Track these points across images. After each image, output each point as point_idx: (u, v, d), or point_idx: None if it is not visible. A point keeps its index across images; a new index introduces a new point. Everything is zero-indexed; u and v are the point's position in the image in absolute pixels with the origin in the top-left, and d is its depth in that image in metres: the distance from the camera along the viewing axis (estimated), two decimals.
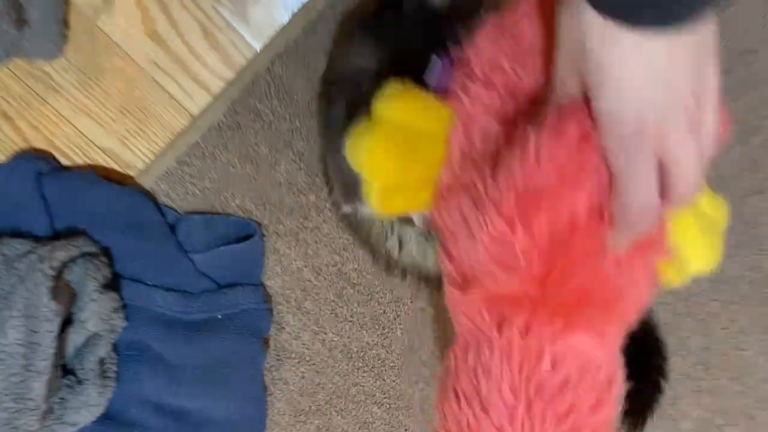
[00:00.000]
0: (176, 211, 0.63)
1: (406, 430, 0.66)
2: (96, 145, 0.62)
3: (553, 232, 0.31)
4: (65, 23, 0.59)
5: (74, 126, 0.61)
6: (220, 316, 0.61)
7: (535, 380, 0.32)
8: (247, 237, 0.62)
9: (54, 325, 0.54)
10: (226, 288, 0.62)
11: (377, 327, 0.65)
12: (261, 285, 0.64)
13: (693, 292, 0.67)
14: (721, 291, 0.68)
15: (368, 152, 0.36)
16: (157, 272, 0.60)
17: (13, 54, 0.56)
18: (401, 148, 0.37)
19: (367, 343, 0.65)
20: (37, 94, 0.60)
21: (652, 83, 0.27)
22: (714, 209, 0.39)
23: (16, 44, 0.56)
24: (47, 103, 0.61)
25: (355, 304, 0.65)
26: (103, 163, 0.63)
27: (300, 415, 0.66)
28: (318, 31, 0.61)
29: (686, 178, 0.29)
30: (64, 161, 0.62)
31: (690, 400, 0.68)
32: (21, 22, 0.55)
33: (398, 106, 0.36)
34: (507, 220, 0.31)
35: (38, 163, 0.60)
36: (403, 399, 0.66)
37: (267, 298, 0.64)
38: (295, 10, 0.61)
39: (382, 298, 0.65)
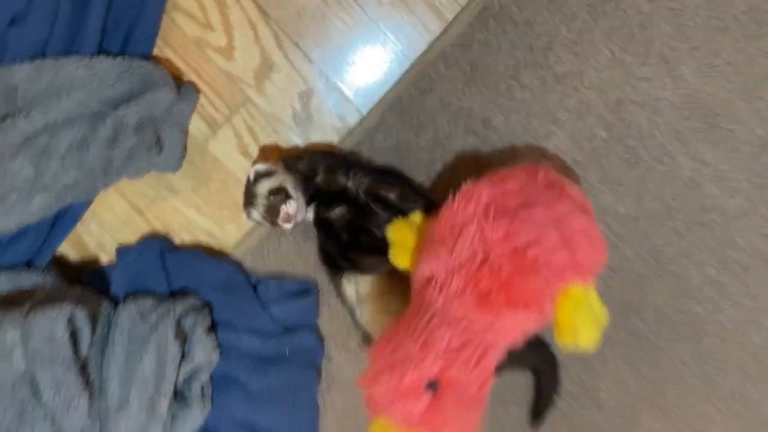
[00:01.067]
0: (257, 275, 0.81)
1: None
2: (201, 229, 0.79)
3: None
4: (185, 146, 0.78)
5: (186, 216, 0.79)
6: (287, 352, 0.77)
7: None
8: (307, 292, 0.80)
9: (176, 359, 0.71)
10: (292, 331, 0.78)
11: None
12: (317, 327, 0.80)
13: None
14: None
15: (400, 238, 0.65)
16: (244, 320, 0.77)
17: (151, 168, 0.78)
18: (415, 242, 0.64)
19: None
20: (162, 195, 0.79)
21: None
22: (600, 308, 0.54)
23: (154, 162, 0.78)
24: (168, 200, 0.79)
25: None
26: (206, 242, 0.79)
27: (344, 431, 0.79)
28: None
29: None
30: (177, 241, 0.79)
31: None
32: (159, 148, 0.78)
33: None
34: None
35: (160, 243, 0.78)
36: None
37: (320, 338, 0.80)
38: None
39: None
